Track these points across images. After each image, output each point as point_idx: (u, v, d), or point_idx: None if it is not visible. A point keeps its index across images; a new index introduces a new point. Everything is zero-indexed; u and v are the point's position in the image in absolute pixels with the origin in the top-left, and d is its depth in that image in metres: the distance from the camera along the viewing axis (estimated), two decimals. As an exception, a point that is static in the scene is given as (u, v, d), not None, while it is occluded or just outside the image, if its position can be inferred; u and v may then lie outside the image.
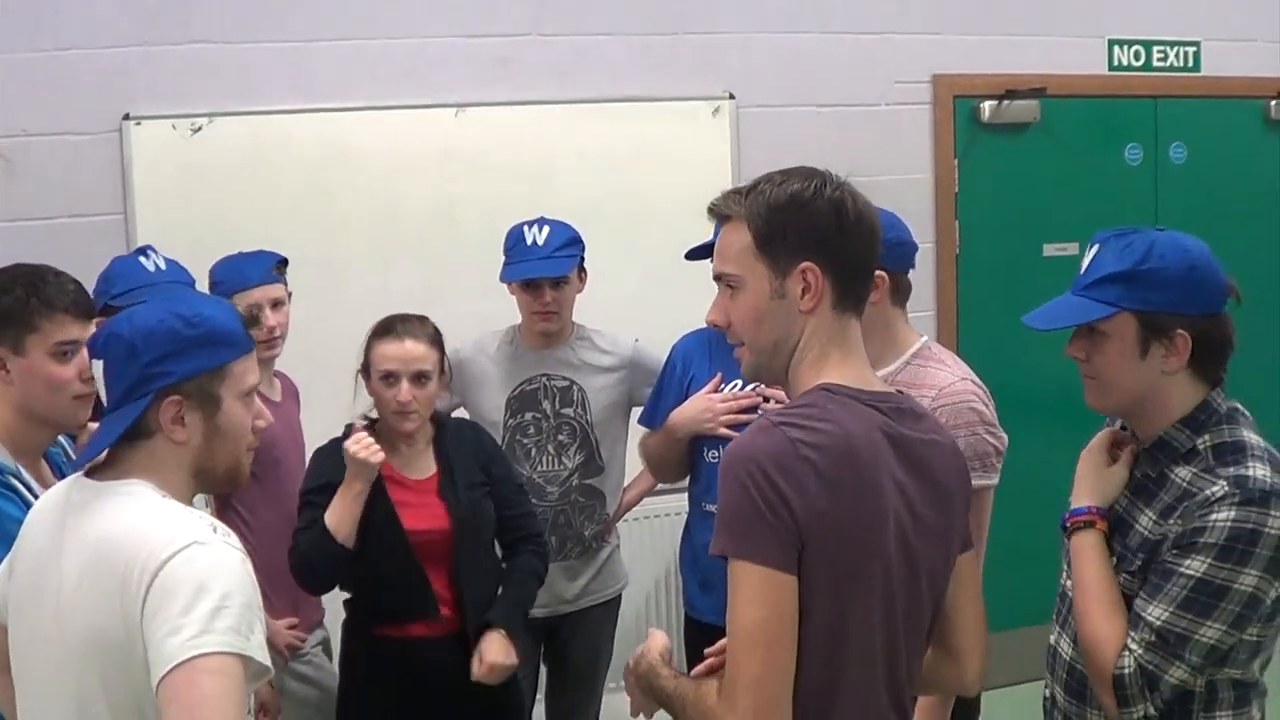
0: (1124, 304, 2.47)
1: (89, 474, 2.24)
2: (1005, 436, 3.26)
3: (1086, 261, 2.57)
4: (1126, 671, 2.42)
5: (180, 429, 2.18)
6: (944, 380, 3.23)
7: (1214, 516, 2.37)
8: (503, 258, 4.16)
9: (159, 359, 2.16)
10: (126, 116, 4.64)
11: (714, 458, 3.83)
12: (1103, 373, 2.55)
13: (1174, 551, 2.41)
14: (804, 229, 2.17)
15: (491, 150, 5.02)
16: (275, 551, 3.71)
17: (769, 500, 2.02)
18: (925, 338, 3.39)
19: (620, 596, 4.43)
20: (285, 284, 4.01)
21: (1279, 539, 2.36)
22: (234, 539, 2.10)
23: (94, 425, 2.85)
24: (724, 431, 3.75)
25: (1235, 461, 2.44)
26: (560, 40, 5.16)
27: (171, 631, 1.94)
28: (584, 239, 4.19)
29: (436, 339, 3.66)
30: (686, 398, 3.89)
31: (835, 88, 5.52)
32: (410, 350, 3.60)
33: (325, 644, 4.19)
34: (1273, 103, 6.24)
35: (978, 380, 3.29)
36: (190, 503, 2.24)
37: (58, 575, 2.14)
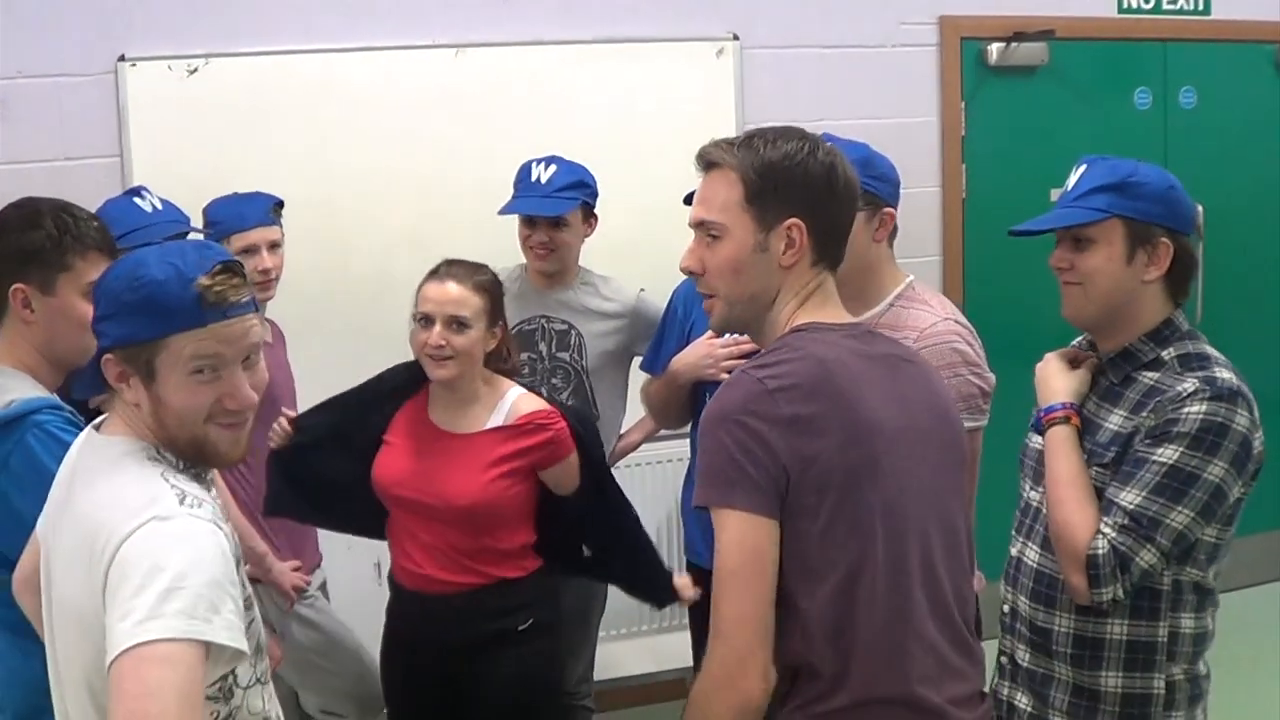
0: (1114, 210, 2.63)
1: (98, 425, 2.20)
2: (992, 377, 3.26)
3: (1073, 179, 2.74)
4: (1100, 552, 2.53)
5: (127, 389, 2.09)
6: (926, 322, 3.23)
7: (1186, 410, 2.52)
8: (507, 196, 4.13)
9: (100, 318, 2.09)
10: (122, 58, 4.59)
11: None
12: (1088, 278, 2.67)
13: (1146, 442, 2.55)
14: (796, 187, 2.22)
15: (492, 91, 4.97)
16: (259, 489, 3.72)
17: (745, 446, 2.05)
18: (910, 278, 3.37)
19: None
20: (281, 226, 3.98)
21: (1243, 436, 2.52)
22: (206, 508, 2.00)
23: None
24: (724, 377, 3.72)
25: (1201, 367, 2.61)
26: (561, -21, 5.10)
27: (121, 615, 1.85)
28: (595, 184, 4.16)
29: (486, 287, 3.46)
30: (688, 344, 3.87)
31: (841, 29, 5.45)
32: (448, 292, 3.41)
33: (324, 586, 4.19)
34: (1284, 47, 6.17)
35: (962, 320, 3.29)
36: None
37: (58, 542, 2.12)
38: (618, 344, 4.22)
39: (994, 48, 5.70)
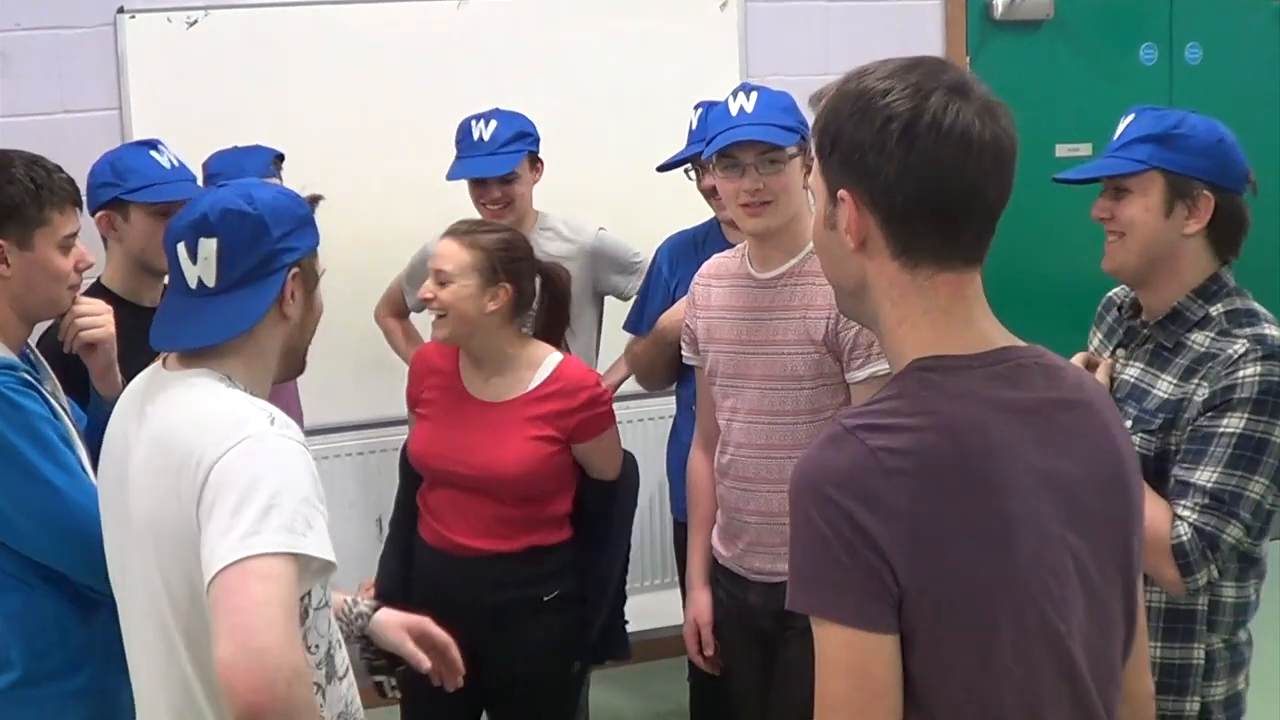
0: (1153, 161, 2.57)
1: (167, 361, 2.24)
2: None
3: (1121, 128, 2.69)
4: (1185, 539, 2.44)
5: (292, 303, 2.22)
6: None
7: (1241, 373, 2.47)
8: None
9: (287, 234, 2.20)
10: (121, 10, 4.56)
11: None
12: (1128, 228, 2.61)
13: (1209, 415, 2.48)
14: (851, 144, 1.66)
15: (494, 41, 4.95)
16: None
17: (846, 539, 1.57)
18: None
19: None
20: (281, 179, 3.97)
21: None
22: (294, 429, 2.09)
23: (88, 309, 2.82)
24: None
25: (1250, 323, 2.55)
26: (564, -69, 5.06)
27: (222, 532, 1.92)
28: (535, 129, 4.14)
29: (482, 245, 3.38)
30: (674, 302, 3.86)
31: (846, -19, 5.42)
32: (439, 247, 3.41)
33: None
34: (1291, 1, 6.14)
35: None
36: (268, 390, 2.25)
37: (129, 464, 2.16)
38: (581, 283, 4.13)
39: (999, 1, 5.66)
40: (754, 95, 3.13)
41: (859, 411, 1.68)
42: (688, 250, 3.94)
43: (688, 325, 3.33)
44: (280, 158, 3.98)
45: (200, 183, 3.80)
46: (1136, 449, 2.40)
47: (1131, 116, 2.68)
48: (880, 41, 5.37)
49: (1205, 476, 2.46)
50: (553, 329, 3.55)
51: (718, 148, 3.06)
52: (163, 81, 4.61)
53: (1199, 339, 2.57)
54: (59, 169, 2.76)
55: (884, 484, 1.58)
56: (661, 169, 4.04)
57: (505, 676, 3.48)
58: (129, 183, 3.40)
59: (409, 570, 3.59)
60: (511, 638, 3.45)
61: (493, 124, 4.07)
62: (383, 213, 4.74)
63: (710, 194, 3.82)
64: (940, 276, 1.69)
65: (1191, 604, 2.57)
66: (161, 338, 2.23)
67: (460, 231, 3.43)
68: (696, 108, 4.02)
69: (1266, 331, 2.53)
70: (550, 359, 3.45)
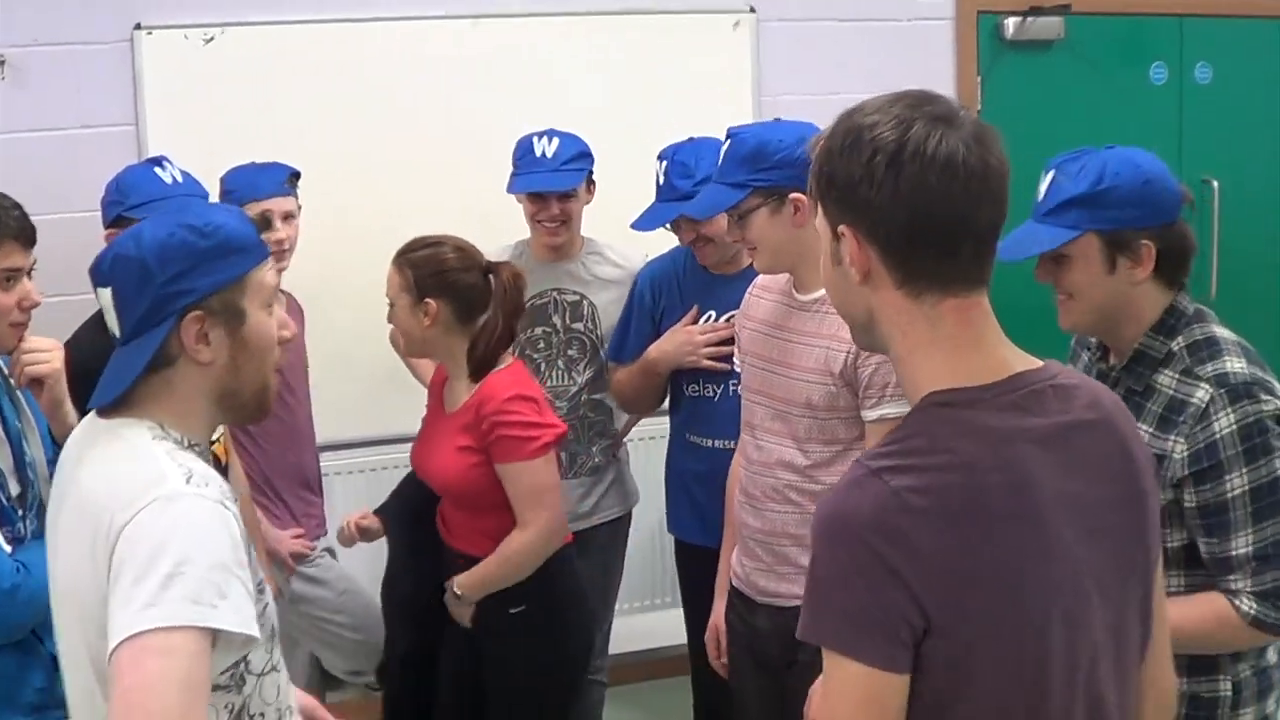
0: (1085, 225, 2.53)
1: (101, 410, 2.09)
2: None
3: (1043, 189, 2.63)
4: (1255, 610, 2.45)
5: (205, 348, 2.03)
6: None
7: (1216, 427, 2.45)
8: (511, 168, 4.12)
9: (176, 276, 1.99)
10: (138, 26, 4.59)
11: (694, 391, 3.88)
12: (1075, 292, 2.60)
13: (1206, 486, 2.47)
14: (845, 179, 1.71)
15: (507, 62, 4.97)
16: (276, 464, 3.74)
17: (872, 579, 1.60)
18: None
19: (630, 514, 4.42)
20: (296, 197, 4.00)
21: (1277, 413, 2.45)
22: (213, 487, 1.93)
23: (36, 345, 2.78)
24: (707, 364, 3.75)
25: (1211, 357, 2.53)
26: (578, -50, 5.09)
27: (123, 603, 1.77)
28: (594, 152, 4.15)
29: (405, 264, 3.48)
30: (659, 332, 3.90)
31: (858, 2, 5.44)
32: (387, 276, 3.52)
33: (331, 552, 4.21)
34: (1301, 21, 6.14)
35: None
36: (210, 436, 2.15)
37: (60, 519, 2.06)
38: (620, 325, 4.19)
39: (1010, 22, 5.67)
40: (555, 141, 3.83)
41: (881, 453, 1.69)
42: (669, 278, 3.98)
43: (736, 333, 3.36)
44: (296, 175, 4.01)
45: (216, 198, 3.84)
46: None
47: (1051, 174, 2.62)
48: (892, 61, 5.41)
49: (1242, 543, 2.46)
50: (503, 335, 3.51)
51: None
52: (179, 97, 4.63)
53: (1166, 380, 2.57)
54: (15, 206, 2.73)
55: (909, 523, 1.60)
56: (636, 227, 3.96)
57: (490, 687, 3.58)
58: (129, 200, 3.48)
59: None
60: (490, 648, 3.56)
61: (555, 141, 4.07)
62: (396, 230, 4.74)
63: (695, 241, 3.83)
64: (945, 302, 1.72)
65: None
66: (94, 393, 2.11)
67: (398, 254, 3.52)
68: (660, 158, 3.98)
69: (1228, 367, 2.50)
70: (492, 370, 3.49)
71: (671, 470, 4.08)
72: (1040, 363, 1.79)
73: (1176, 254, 2.59)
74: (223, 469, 3.33)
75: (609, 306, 4.17)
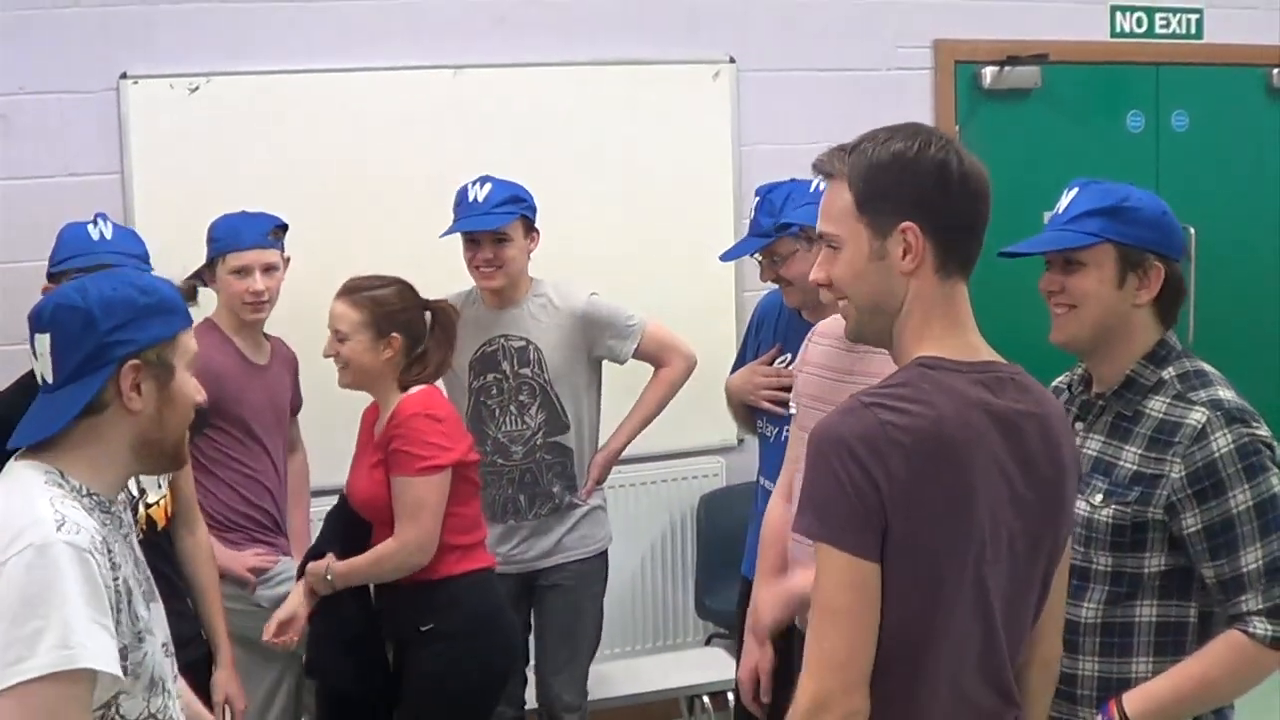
0: (1106, 234, 2.63)
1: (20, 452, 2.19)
2: None
3: (1065, 202, 2.73)
4: (1271, 630, 2.48)
5: (137, 397, 2.15)
6: None
7: (1214, 447, 2.52)
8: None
9: (119, 327, 2.13)
10: (124, 75, 4.61)
11: (761, 428, 4.00)
12: (1080, 300, 2.66)
13: (1210, 505, 2.51)
14: (905, 188, 2.12)
15: (490, 111, 5.00)
16: (231, 498, 3.87)
17: (856, 484, 1.97)
18: None
19: (604, 557, 4.43)
20: (282, 249, 4.02)
21: (1271, 442, 2.56)
22: (84, 535, 2.02)
23: None
24: (765, 405, 3.85)
25: (1203, 385, 2.62)
26: (559, 1, 5.12)
27: (2, 647, 1.91)
28: (532, 199, 4.21)
29: (366, 302, 3.68)
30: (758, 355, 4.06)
31: (837, 52, 5.48)
32: (334, 308, 3.71)
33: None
34: (1275, 71, 6.20)
35: None
36: (117, 490, 2.22)
37: None
38: (574, 349, 4.24)
39: (988, 71, 5.74)
40: (487, 186, 4.10)
41: (874, 392, 2.07)
42: (773, 312, 4.08)
43: (795, 377, 3.44)
44: (282, 227, 4.03)
45: (205, 245, 3.88)
46: (1110, 520, 2.57)
47: (1075, 190, 2.72)
48: (871, 111, 5.39)
49: (1253, 558, 2.50)
50: (440, 362, 3.80)
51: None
52: (164, 146, 4.65)
53: (1156, 405, 2.61)
54: None
55: (887, 448, 1.98)
56: (723, 258, 4.20)
57: (403, 702, 3.72)
58: (56, 255, 3.59)
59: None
60: (408, 664, 3.72)
61: (487, 186, 4.14)
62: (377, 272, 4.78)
63: (775, 281, 3.90)
64: (958, 285, 2.17)
65: (1178, 654, 2.59)
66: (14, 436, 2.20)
67: (350, 289, 3.72)
68: (755, 194, 4.03)
69: (1221, 395, 2.58)
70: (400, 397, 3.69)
71: (752, 514, 4.08)
72: (1004, 361, 2.19)
73: (1175, 291, 2.68)
74: (160, 531, 3.34)
75: (554, 350, 4.20)
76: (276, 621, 3.68)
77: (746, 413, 4.05)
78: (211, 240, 3.96)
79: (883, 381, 2.12)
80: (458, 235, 4.16)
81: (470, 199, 4.14)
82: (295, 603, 3.70)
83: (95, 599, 1.98)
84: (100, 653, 1.95)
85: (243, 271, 3.93)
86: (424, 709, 3.70)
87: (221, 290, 3.99)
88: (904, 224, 2.11)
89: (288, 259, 4.06)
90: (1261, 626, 2.48)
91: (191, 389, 2.26)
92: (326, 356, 3.70)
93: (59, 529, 1.99)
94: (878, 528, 1.98)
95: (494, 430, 4.20)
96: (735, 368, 4.15)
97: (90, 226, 3.65)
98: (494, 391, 4.21)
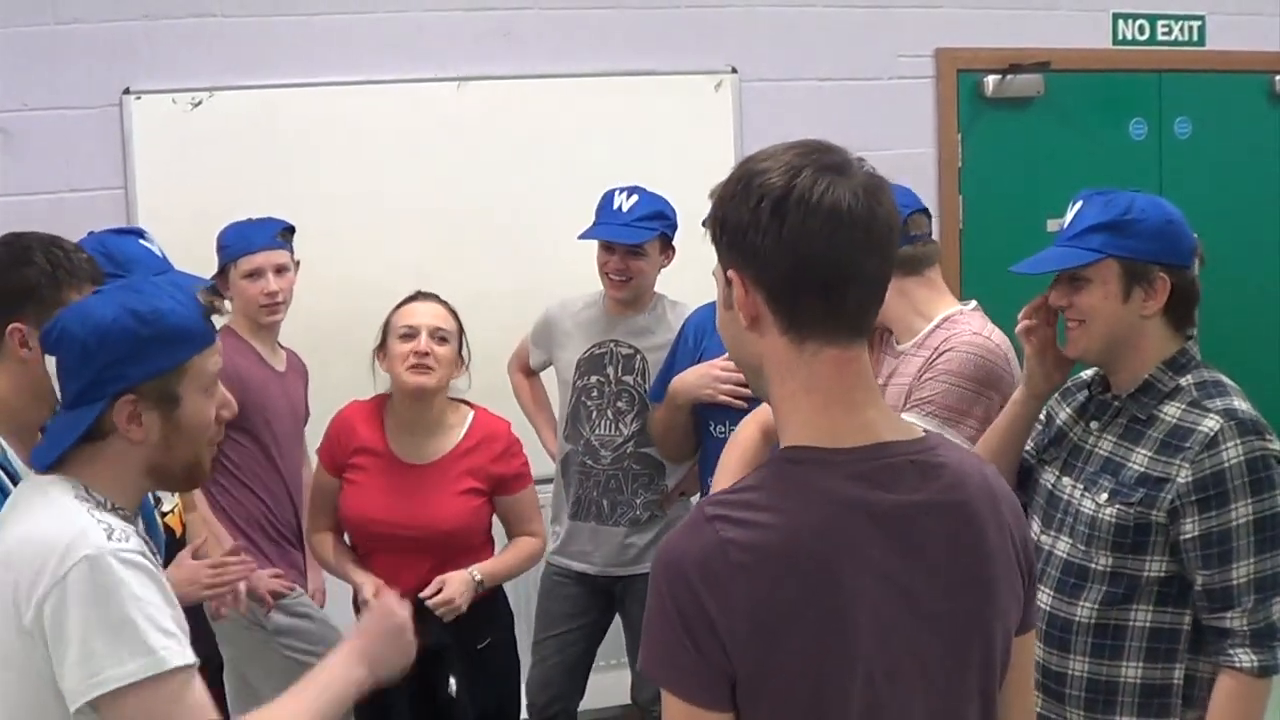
0: (1108, 250, 2.59)
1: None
2: (988, 406, 3.07)
3: (1070, 216, 2.71)
4: (1256, 661, 2.50)
5: (137, 428, 2.09)
6: (952, 335, 3.13)
7: (1224, 456, 2.50)
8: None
9: (114, 362, 2.06)
10: (127, 90, 4.63)
11: (721, 433, 3.80)
12: (1088, 316, 2.65)
13: (1211, 514, 2.51)
14: (727, 223, 1.71)
15: (493, 123, 5.01)
16: (256, 508, 3.77)
17: (690, 625, 1.62)
18: (960, 307, 3.27)
19: None
20: (291, 251, 4.03)
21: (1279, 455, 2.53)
22: (133, 541, 2.02)
23: None
24: (724, 400, 3.74)
25: (1220, 395, 2.59)
26: (562, 13, 5.15)
27: (77, 662, 1.90)
28: (675, 216, 4.18)
29: (456, 315, 3.75)
30: None
31: (838, 62, 5.50)
32: (431, 309, 3.71)
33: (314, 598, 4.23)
34: (1278, 78, 6.21)
35: (989, 345, 3.11)
36: (137, 502, 2.19)
37: None
38: (665, 364, 4.20)
39: (990, 79, 5.74)
40: (634, 197, 4.06)
41: (721, 500, 1.70)
42: (710, 323, 3.98)
43: None
44: (290, 229, 4.04)
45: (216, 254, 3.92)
46: (1113, 519, 2.54)
47: (1080, 204, 2.70)
48: (873, 120, 5.47)
49: (1244, 573, 2.50)
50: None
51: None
52: (167, 161, 4.67)
53: (1170, 410, 2.60)
54: (78, 249, 2.71)
55: (728, 574, 1.61)
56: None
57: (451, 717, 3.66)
58: (132, 271, 3.45)
59: None
60: (456, 681, 3.65)
61: (634, 198, 4.15)
62: (386, 289, 4.77)
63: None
64: (825, 352, 1.69)
65: (1168, 678, 2.60)
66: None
67: (436, 298, 3.74)
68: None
69: (1236, 405, 2.57)
70: (467, 414, 3.77)
71: None
72: (917, 433, 1.78)
73: (1185, 298, 2.65)
74: (177, 539, 3.32)
75: (660, 364, 4.18)
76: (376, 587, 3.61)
77: (686, 424, 3.93)
78: (221, 248, 3.96)
79: (736, 484, 1.74)
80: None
81: (615, 206, 4.15)
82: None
83: (163, 594, 1.98)
84: (181, 647, 1.96)
85: (255, 274, 3.93)
86: None
87: (236, 296, 3.98)
88: (730, 270, 1.72)
89: (298, 261, 4.07)
90: (1247, 659, 2.50)
91: (204, 413, 2.16)
92: (420, 355, 3.63)
93: (109, 538, 1.97)
94: (724, 673, 1.62)
95: (588, 431, 4.23)
96: (663, 382, 4.01)
97: (144, 242, 3.45)
98: (595, 394, 4.23)
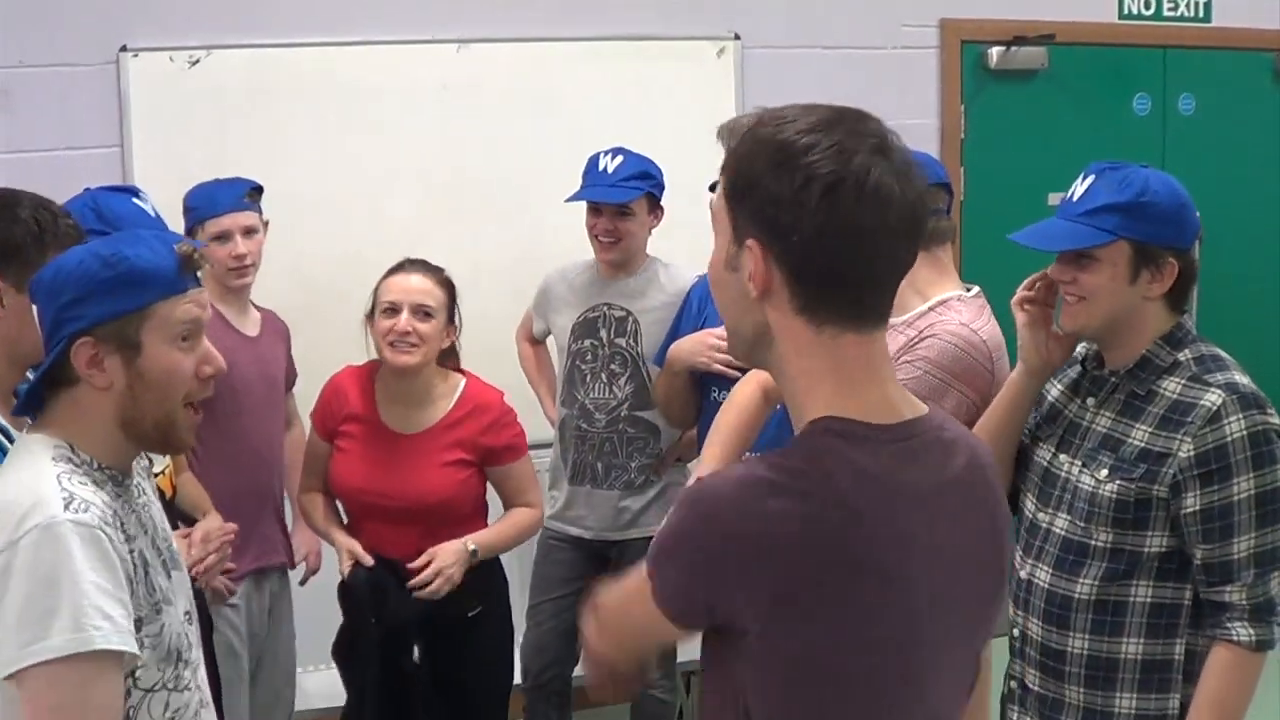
0: (1123, 233, 2.56)
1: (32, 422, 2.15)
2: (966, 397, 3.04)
3: (1080, 190, 2.66)
4: (1253, 635, 2.52)
5: (99, 374, 2.05)
6: (938, 322, 3.08)
7: (1227, 431, 2.51)
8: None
9: (71, 302, 2.04)
10: (124, 48, 4.59)
11: (719, 396, 3.78)
12: (1092, 294, 2.62)
13: (1213, 488, 2.51)
14: (759, 195, 1.60)
15: (492, 87, 4.98)
16: (221, 484, 3.67)
17: (714, 572, 1.59)
18: (960, 292, 3.20)
19: None
20: (260, 212, 3.94)
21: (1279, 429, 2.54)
22: (92, 513, 1.97)
23: None
24: (718, 369, 3.73)
25: (1220, 369, 2.60)
26: (564, -23, 5.11)
27: (10, 630, 1.88)
28: (661, 175, 4.21)
29: (447, 283, 3.67)
30: None
31: (842, 30, 5.47)
32: (414, 283, 3.62)
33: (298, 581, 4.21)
34: (1283, 54, 6.18)
35: (973, 340, 3.04)
36: (128, 462, 2.16)
37: None
38: (670, 329, 4.21)
39: (994, 51, 5.72)
40: (618, 158, 4.07)
41: (774, 464, 1.61)
42: None
43: None
44: (258, 189, 3.95)
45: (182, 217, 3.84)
46: (1114, 495, 2.54)
47: (1092, 178, 2.65)
48: (876, 89, 5.42)
49: (1244, 547, 2.51)
50: (451, 353, 3.77)
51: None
52: (164, 119, 4.63)
53: (1170, 386, 2.60)
54: (65, 213, 2.69)
55: (772, 545, 1.56)
56: (713, 188, 3.97)
57: (440, 686, 3.64)
58: (121, 226, 3.42)
59: None
60: (444, 651, 3.64)
61: (619, 159, 4.17)
62: (384, 251, 4.74)
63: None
64: (846, 337, 1.63)
65: (1169, 654, 2.60)
66: None
67: (426, 269, 3.66)
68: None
69: (1237, 379, 2.57)
70: (458, 383, 3.72)
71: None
72: (925, 408, 1.73)
73: (1188, 278, 2.64)
74: (168, 501, 3.28)
75: (652, 326, 4.20)
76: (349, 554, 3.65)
77: (686, 390, 3.94)
78: (188, 210, 3.86)
79: (784, 452, 1.64)
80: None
81: (600, 168, 4.17)
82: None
83: (110, 574, 1.94)
84: (115, 632, 1.91)
85: (223, 237, 3.81)
86: (484, 693, 3.76)
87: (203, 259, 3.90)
88: (750, 239, 1.62)
89: (266, 222, 3.97)
90: (1245, 633, 2.51)
91: (172, 364, 2.09)
92: (401, 334, 3.57)
93: (66, 507, 1.94)
94: (715, 617, 1.62)
95: (583, 395, 4.25)
96: (667, 345, 4.01)
97: (137, 201, 3.43)
98: (589, 357, 4.25)
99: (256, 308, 4.08)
